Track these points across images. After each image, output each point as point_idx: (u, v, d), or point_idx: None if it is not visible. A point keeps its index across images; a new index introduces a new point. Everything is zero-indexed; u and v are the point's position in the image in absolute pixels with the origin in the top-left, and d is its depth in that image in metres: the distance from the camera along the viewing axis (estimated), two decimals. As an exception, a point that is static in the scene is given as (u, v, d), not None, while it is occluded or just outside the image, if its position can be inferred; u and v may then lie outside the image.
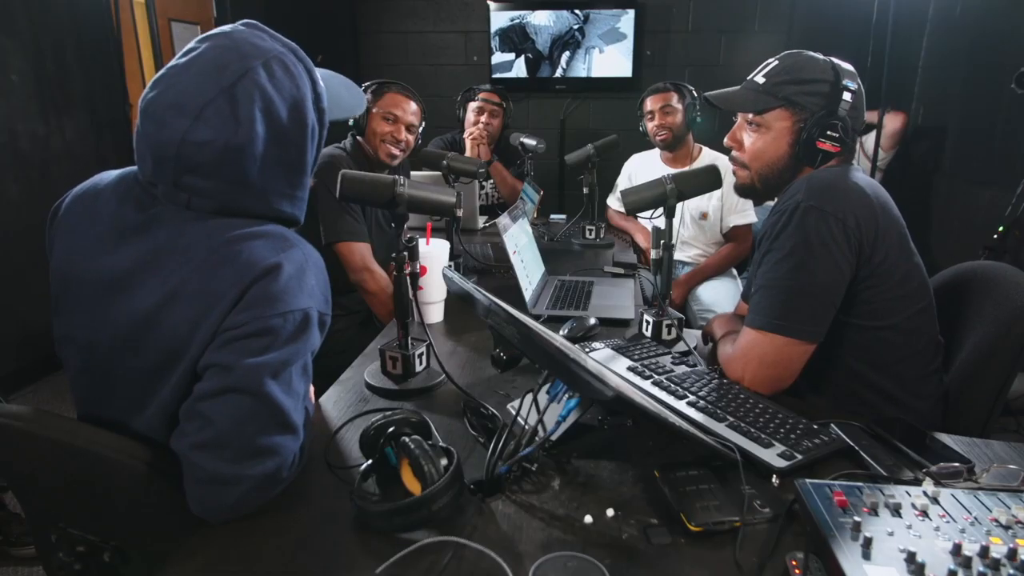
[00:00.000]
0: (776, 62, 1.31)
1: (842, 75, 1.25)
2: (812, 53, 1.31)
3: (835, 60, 1.29)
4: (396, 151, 2.11)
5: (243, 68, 0.87)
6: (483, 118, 3.00)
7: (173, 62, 0.89)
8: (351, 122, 2.06)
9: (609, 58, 4.38)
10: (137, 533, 0.96)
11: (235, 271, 0.85)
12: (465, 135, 3.01)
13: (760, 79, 1.31)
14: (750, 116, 1.31)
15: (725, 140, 1.38)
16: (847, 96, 1.23)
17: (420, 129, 2.18)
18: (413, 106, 2.12)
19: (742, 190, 1.38)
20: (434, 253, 1.56)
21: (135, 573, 0.96)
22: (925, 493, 0.82)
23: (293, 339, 0.86)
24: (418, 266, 1.26)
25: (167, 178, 0.88)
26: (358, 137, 2.13)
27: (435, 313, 1.65)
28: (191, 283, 0.85)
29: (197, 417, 0.83)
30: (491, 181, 3.11)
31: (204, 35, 0.92)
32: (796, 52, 1.32)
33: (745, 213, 2.69)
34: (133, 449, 0.89)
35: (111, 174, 0.99)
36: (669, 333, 1.51)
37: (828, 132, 1.24)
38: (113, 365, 0.92)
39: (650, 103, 2.69)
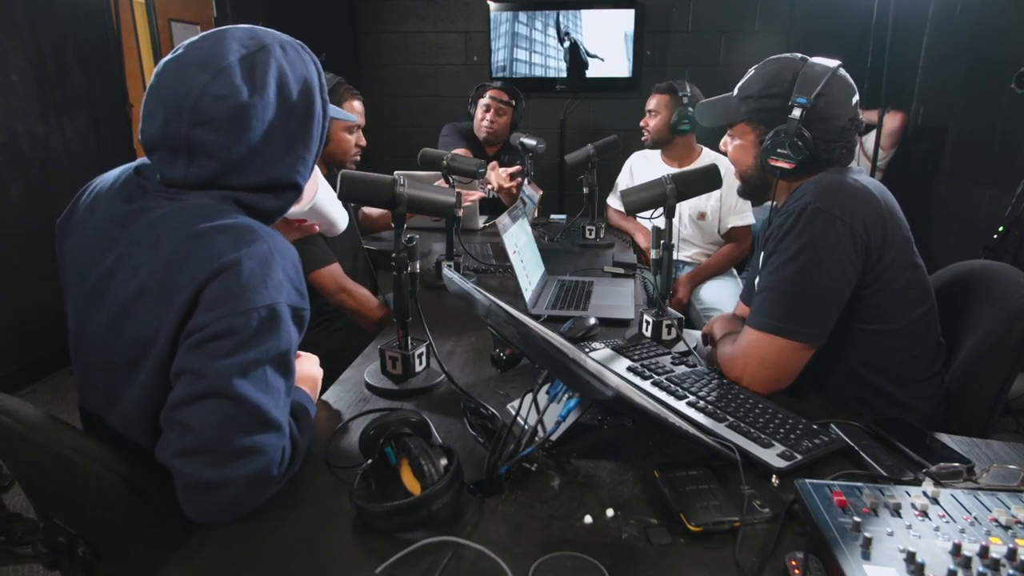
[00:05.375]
0: (751, 72, 1.34)
1: (799, 88, 1.23)
2: (789, 59, 1.29)
3: (812, 63, 1.26)
4: (359, 157, 2.06)
5: (261, 44, 0.93)
6: (489, 115, 3.00)
7: (192, 39, 0.94)
8: None
9: (609, 58, 4.38)
10: (112, 538, 0.97)
11: (194, 267, 0.84)
12: (476, 129, 3.03)
13: (736, 90, 1.36)
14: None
15: (720, 144, 1.45)
16: (795, 113, 1.22)
17: None
18: (360, 105, 2.05)
19: (739, 191, 1.44)
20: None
21: (108, 569, 0.98)
22: (925, 493, 0.82)
23: (261, 336, 0.85)
24: (418, 265, 1.25)
25: (180, 130, 0.88)
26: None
27: (340, 219, 1.40)
28: (157, 277, 0.86)
29: (176, 425, 0.83)
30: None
31: None
32: (773, 60, 1.32)
33: (743, 214, 2.69)
34: (109, 461, 0.90)
35: (115, 171, 1.02)
36: (669, 333, 1.51)
37: (778, 150, 1.25)
38: (94, 357, 0.95)
39: (648, 102, 2.73)
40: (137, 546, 0.97)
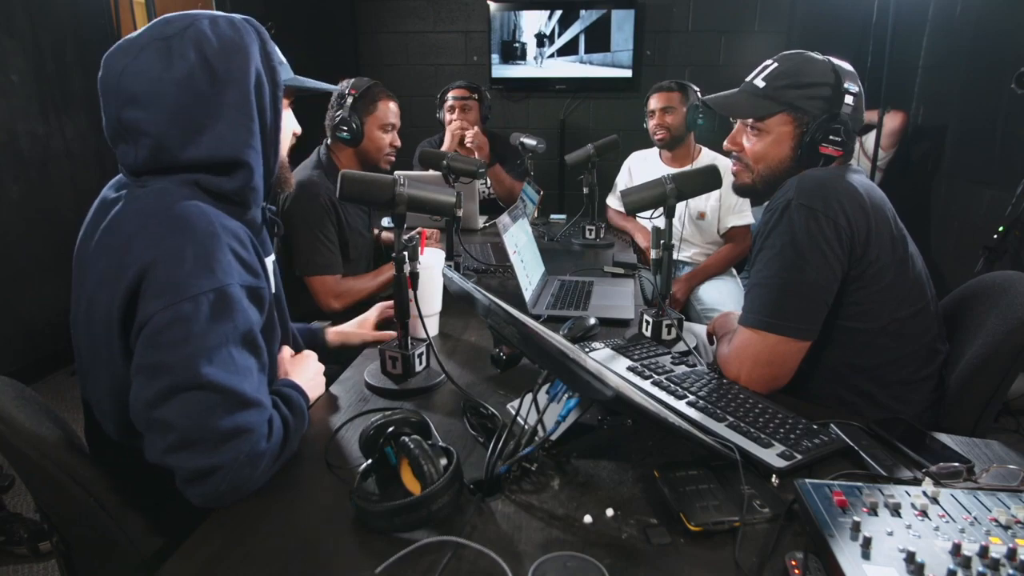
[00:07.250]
0: (776, 64, 1.30)
1: (843, 77, 1.25)
2: (811, 54, 1.30)
3: (834, 61, 1.28)
4: (393, 157, 2.18)
5: (188, 22, 0.93)
6: (455, 115, 2.99)
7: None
8: (345, 134, 2.05)
9: (609, 58, 4.38)
10: (74, 531, 0.99)
11: (140, 249, 0.85)
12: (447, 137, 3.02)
13: (760, 82, 1.30)
14: (750, 120, 1.31)
15: (725, 144, 1.39)
16: (848, 99, 1.23)
17: None
18: (395, 106, 2.17)
19: (742, 190, 1.38)
20: (429, 262, 1.45)
21: (84, 563, 1.00)
22: (925, 493, 0.82)
23: (215, 319, 0.85)
24: (418, 266, 1.25)
25: (113, 116, 0.91)
26: (334, 150, 2.12)
27: (431, 325, 1.54)
28: (112, 263, 0.87)
29: (157, 425, 0.84)
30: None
31: None
32: (796, 53, 1.31)
33: (743, 214, 2.70)
34: (92, 484, 0.91)
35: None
36: (669, 333, 1.51)
37: (831, 136, 1.24)
38: (79, 346, 0.98)
39: (653, 101, 2.70)
40: (100, 547, 0.98)
